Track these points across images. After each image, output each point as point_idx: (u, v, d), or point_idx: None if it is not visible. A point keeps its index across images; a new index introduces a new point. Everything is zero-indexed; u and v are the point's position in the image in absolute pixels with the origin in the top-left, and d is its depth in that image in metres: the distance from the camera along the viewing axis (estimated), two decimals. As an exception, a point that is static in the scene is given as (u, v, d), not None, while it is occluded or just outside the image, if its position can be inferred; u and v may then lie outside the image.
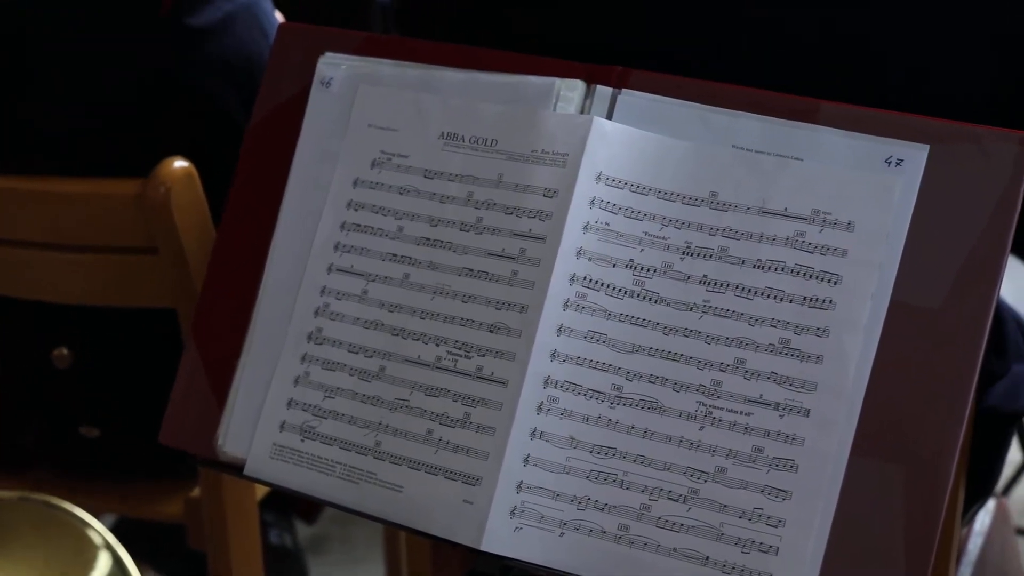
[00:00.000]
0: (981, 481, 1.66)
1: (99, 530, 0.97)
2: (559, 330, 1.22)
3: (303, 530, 2.53)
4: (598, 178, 1.24)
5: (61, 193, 1.68)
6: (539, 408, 1.21)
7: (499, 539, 1.21)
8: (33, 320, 1.89)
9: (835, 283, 1.16)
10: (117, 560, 0.94)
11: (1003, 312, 1.69)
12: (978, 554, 1.72)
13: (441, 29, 1.57)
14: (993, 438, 1.64)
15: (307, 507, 2.48)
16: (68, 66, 1.73)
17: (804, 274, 1.17)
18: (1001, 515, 1.83)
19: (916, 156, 1.15)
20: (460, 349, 1.27)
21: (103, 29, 1.70)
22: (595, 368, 1.22)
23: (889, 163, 1.17)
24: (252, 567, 1.89)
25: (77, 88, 1.74)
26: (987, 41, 1.38)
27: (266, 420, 1.33)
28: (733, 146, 1.23)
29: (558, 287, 1.22)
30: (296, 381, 1.33)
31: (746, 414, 1.17)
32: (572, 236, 1.23)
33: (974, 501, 1.65)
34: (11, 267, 1.75)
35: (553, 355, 1.22)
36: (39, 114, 1.77)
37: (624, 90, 1.26)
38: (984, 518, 1.75)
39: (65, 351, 1.88)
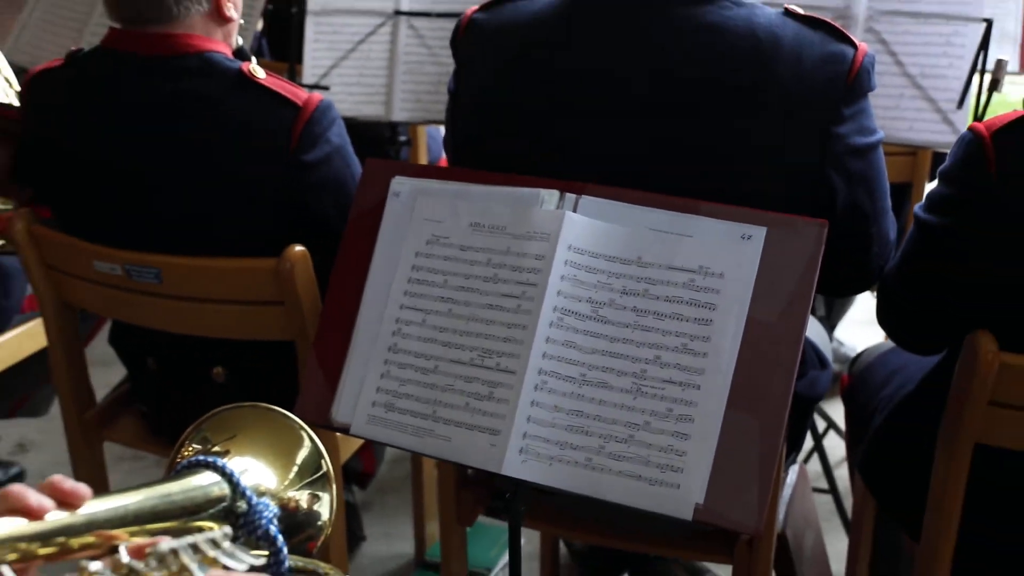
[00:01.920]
0: (792, 442, 1.72)
1: (295, 419, 1.01)
2: (547, 340, 1.29)
3: (357, 494, 2.49)
4: (569, 248, 1.30)
5: (225, 267, 1.69)
6: (536, 387, 1.28)
7: (512, 467, 1.27)
8: (201, 349, 1.85)
9: (713, 308, 1.25)
10: (311, 438, 1.00)
11: None
12: (788, 498, 1.73)
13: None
14: (799, 414, 1.69)
15: (361, 477, 2.44)
16: (232, 185, 1.73)
17: (695, 303, 1.26)
18: (803, 475, 1.86)
19: (759, 233, 1.25)
20: (485, 353, 1.31)
21: (253, 161, 1.72)
22: (569, 363, 1.28)
23: (743, 237, 1.26)
24: (337, 512, 1.91)
25: (237, 200, 1.74)
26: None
27: (363, 399, 1.37)
28: (649, 228, 1.29)
29: (546, 313, 1.29)
30: (382, 375, 1.36)
31: (661, 388, 1.25)
32: (554, 283, 1.29)
33: (788, 455, 1.70)
34: (190, 314, 1.74)
35: (544, 355, 1.28)
36: (209, 213, 1.76)
37: (583, 196, 1.32)
38: (792, 476, 1.76)
39: (221, 370, 1.88)
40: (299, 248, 1.64)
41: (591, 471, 1.27)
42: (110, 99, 1.74)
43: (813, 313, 2.36)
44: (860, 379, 1.84)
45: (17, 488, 0.73)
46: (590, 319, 1.30)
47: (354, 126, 2.40)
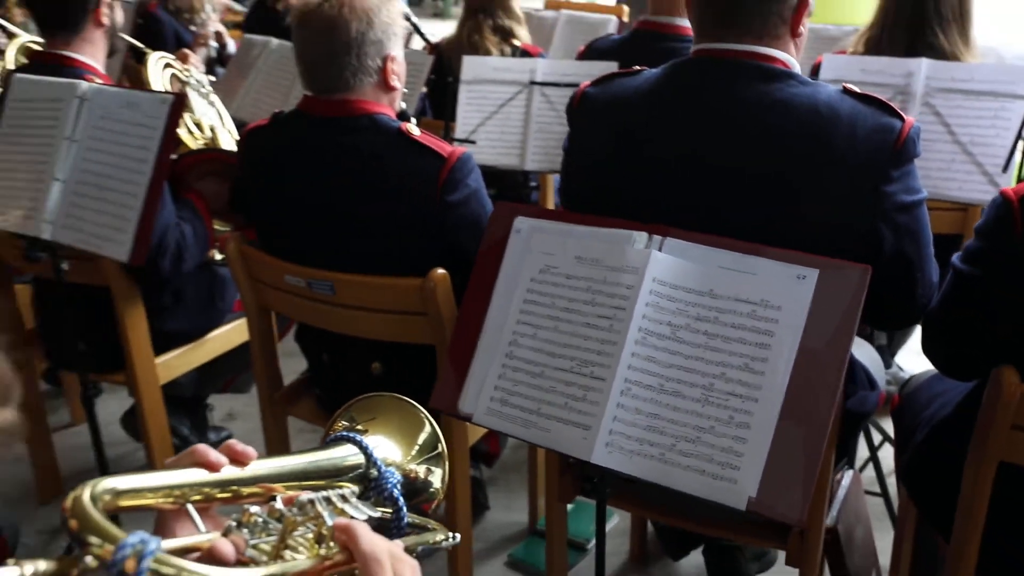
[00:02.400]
0: (842, 450, 1.66)
1: (420, 408, 1.01)
2: (632, 354, 1.29)
3: (484, 471, 2.49)
4: (653, 280, 1.31)
5: (382, 284, 1.72)
6: (621, 392, 1.29)
7: (600, 457, 1.28)
8: (363, 348, 1.86)
9: (771, 336, 1.24)
10: (431, 424, 0.99)
11: (854, 359, 1.68)
12: (843, 498, 1.69)
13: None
14: (849, 427, 1.64)
15: (487, 457, 2.44)
16: (390, 218, 1.76)
17: (756, 330, 1.25)
18: (856, 480, 1.79)
19: (812, 274, 1.24)
20: (582, 363, 1.33)
21: (408, 200, 1.75)
22: (650, 374, 1.29)
23: (799, 277, 1.24)
24: (463, 484, 1.89)
25: (395, 230, 1.76)
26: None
27: (484, 395, 1.39)
28: (720, 267, 1.29)
29: (632, 333, 1.30)
30: (499, 376, 1.39)
31: (725, 399, 1.24)
32: (640, 308, 1.30)
33: (839, 461, 1.66)
34: (355, 320, 1.78)
35: (629, 367, 1.29)
36: (373, 239, 1.78)
37: (667, 238, 1.32)
38: (847, 480, 1.72)
39: (378, 365, 1.90)
40: (440, 271, 1.67)
41: (664, 464, 1.27)
42: (301, 152, 1.81)
43: (872, 342, 2.30)
44: (908, 400, 1.78)
45: (202, 447, 0.78)
46: (669, 339, 1.30)
47: (495, 173, 2.44)
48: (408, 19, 3.33)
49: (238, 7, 5.01)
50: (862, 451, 2.21)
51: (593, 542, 2.25)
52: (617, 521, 2.29)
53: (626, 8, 3.38)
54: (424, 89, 2.81)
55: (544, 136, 2.40)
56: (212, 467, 0.77)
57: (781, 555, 1.74)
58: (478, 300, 1.46)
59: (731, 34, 1.47)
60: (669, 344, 1.30)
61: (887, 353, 2.45)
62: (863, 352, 1.80)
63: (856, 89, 1.44)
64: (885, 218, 1.41)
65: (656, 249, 1.34)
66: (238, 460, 0.80)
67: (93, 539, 0.64)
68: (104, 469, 2.22)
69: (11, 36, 3.16)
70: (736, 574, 1.97)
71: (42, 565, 0.64)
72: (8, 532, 1.52)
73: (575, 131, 1.64)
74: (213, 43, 3.75)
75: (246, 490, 0.80)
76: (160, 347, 2.23)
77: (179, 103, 1.84)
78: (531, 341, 1.39)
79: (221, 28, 3.88)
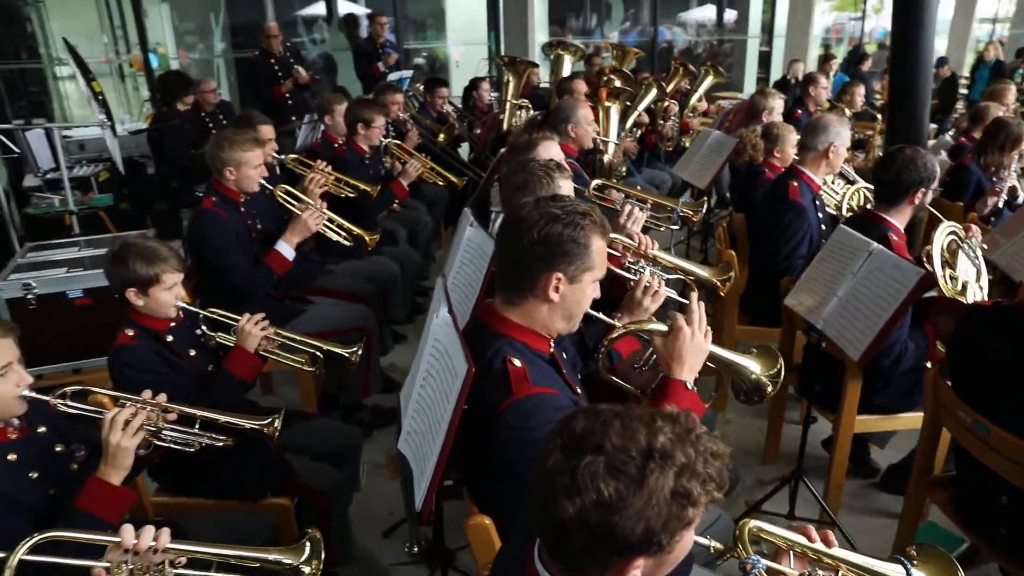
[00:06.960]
0: None
1: (959, 569, 0.95)
2: None
3: None
4: None
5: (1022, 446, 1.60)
6: None
7: None
8: (997, 480, 1.68)
9: None
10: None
11: None
12: None
13: None
14: None
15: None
16: None
17: None
18: None
19: None
20: None
21: None
22: None
23: None
24: None
25: None
26: None
27: None
28: None
29: None
30: None
31: None
32: None
33: None
34: (996, 460, 1.67)
35: None
36: None
37: None
38: None
39: (1006, 499, 1.73)
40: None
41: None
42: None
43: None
44: None
45: (808, 527, 0.90)
46: None
47: None
48: None
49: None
50: None
51: None
52: None
53: None
54: None
55: None
56: (811, 539, 0.92)
57: None
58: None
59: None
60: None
61: None
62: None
63: None
64: None
65: None
66: (827, 542, 0.93)
67: (740, 546, 0.87)
68: (800, 460, 2.43)
69: (850, 182, 3.46)
70: None
71: (718, 545, 0.83)
72: (732, 477, 1.91)
73: None
74: (1005, 195, 3.54)
75: (824, 559, 0.92)
76: (862, 409, 2.31)
77: (926, 279, 1.96)
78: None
79: (1016, 183, 3.59)
